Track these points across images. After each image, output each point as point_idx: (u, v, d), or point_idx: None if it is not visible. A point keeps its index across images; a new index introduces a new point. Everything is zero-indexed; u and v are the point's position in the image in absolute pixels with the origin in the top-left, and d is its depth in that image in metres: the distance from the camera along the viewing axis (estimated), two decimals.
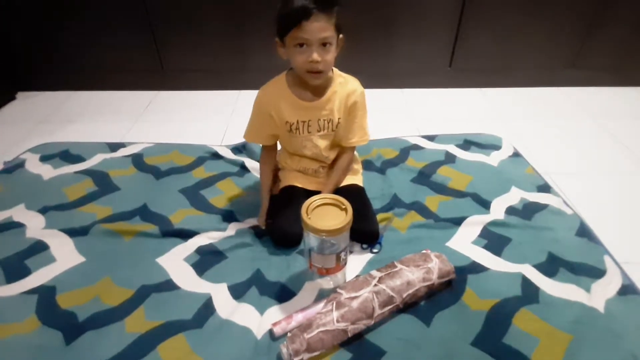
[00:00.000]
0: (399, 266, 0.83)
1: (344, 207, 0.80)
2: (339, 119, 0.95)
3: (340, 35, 0.85)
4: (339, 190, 1.02)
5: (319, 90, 0.92)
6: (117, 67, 1.79)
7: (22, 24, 1.66)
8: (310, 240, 0.80)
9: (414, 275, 0.81)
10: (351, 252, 0.96)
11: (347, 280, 0.87)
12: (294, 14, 0.77)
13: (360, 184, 1.08)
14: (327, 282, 0.88)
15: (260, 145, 1.03)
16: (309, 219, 0.77)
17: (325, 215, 0.79)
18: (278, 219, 0.97)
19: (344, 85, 0.94)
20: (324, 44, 0.81)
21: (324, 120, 0.94)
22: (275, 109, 0.93)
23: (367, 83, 0.99)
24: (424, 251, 0.89)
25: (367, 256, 0.95)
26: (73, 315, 0.82)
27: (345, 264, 0.86)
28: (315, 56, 0.81)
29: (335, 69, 0.94)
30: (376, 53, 1.74)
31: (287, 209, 0.96)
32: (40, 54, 1.75)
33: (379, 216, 1.05)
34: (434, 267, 0.83)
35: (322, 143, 0.98)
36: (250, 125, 0.99)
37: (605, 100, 1.73)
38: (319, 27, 0.78)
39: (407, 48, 1.73)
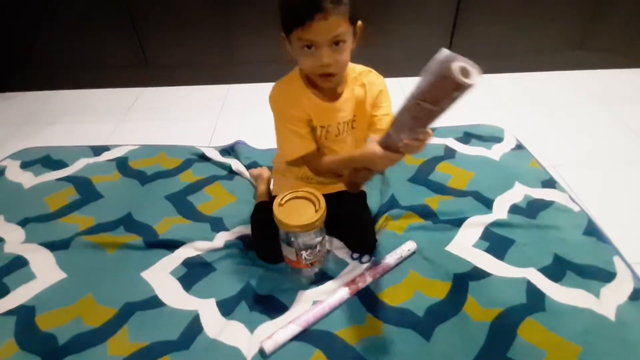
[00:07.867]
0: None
1: (317, 208, 0.77)
2: (354, 116, 0.83)
3: (359, 23, 0.71)
4: (337, 195, 0.92)
5: (334, 89, 0.79)
6: (100, 63, 1.71)
7: None
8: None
9: None
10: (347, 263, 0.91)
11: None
12: (298, 9, 0.64)
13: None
14: (297, 279, 0.87)
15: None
16: (277, 207, 0.77)
17: (296, 210, 0.76)
18: (263, 233, 0.89)
19: (359, 79, 0.81)
20: (337, 42, 0.67)
21: (343, 122, 0.82)
22: (298, 111, 0.79)
23: None
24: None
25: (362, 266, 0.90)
26: (53, 337, 0.78)
27: (312, 265, 0.84)
28: (326, 60, 0.67)
29: None
30: (371, 40, 1.63)
31: (270, 227, 0.81)
32: (20, 53, 1.67)
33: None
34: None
35: (339, 148, 0.85)
36: (285, 137, 0.81)
37: (614, 84, 1.64)
38: (329, 26, 0.64)
39: (403, 33, 1.64)
